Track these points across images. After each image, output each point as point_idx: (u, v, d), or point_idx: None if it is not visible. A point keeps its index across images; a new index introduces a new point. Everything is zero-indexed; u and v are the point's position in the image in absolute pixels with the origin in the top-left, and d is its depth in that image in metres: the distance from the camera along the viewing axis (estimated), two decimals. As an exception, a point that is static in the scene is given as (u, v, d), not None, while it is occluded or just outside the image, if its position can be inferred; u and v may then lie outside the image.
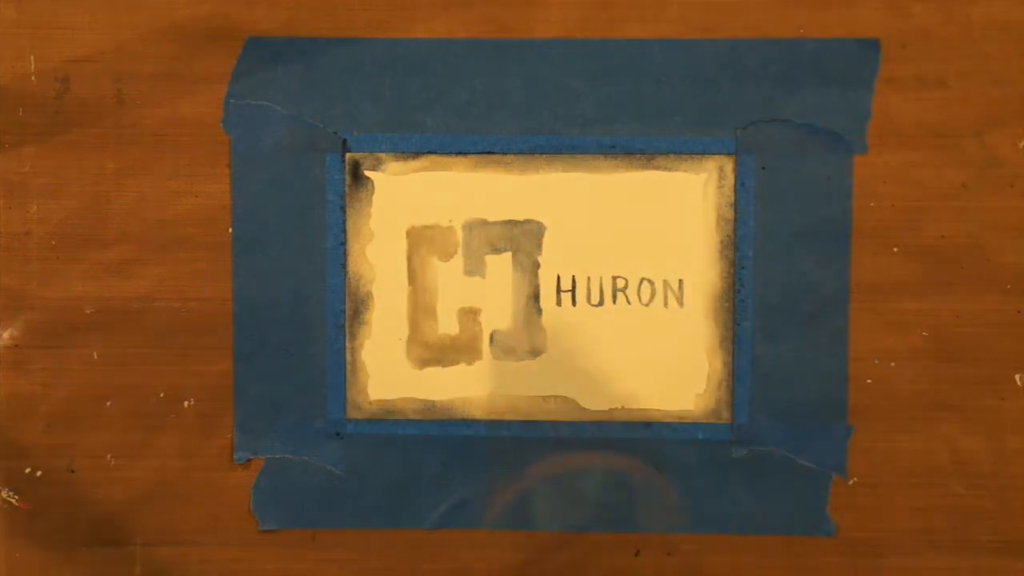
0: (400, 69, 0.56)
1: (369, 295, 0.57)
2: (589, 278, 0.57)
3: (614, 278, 0.57)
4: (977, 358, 0.56)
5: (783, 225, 0.56)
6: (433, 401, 0.57)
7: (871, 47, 0.56)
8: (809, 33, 0.56)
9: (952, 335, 0.56)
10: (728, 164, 0.56)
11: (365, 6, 0.56)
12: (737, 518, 0.57)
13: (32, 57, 0.56)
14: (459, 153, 0.57)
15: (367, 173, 0.57)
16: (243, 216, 0.57)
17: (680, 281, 0.57)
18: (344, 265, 0.57)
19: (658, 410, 0.57)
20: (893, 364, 0.56)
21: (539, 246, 0.57)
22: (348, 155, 0.56)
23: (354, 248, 0.57)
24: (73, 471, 0.58)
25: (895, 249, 0.56)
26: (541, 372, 0.57)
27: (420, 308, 0.57)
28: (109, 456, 0.58)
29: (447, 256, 0.57)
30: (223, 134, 0.57)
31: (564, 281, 0.57)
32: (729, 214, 0.56)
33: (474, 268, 0.57)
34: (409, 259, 0.57)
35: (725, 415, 0.57)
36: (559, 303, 0.57)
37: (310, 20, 0.56)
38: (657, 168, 0.56)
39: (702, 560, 0.57)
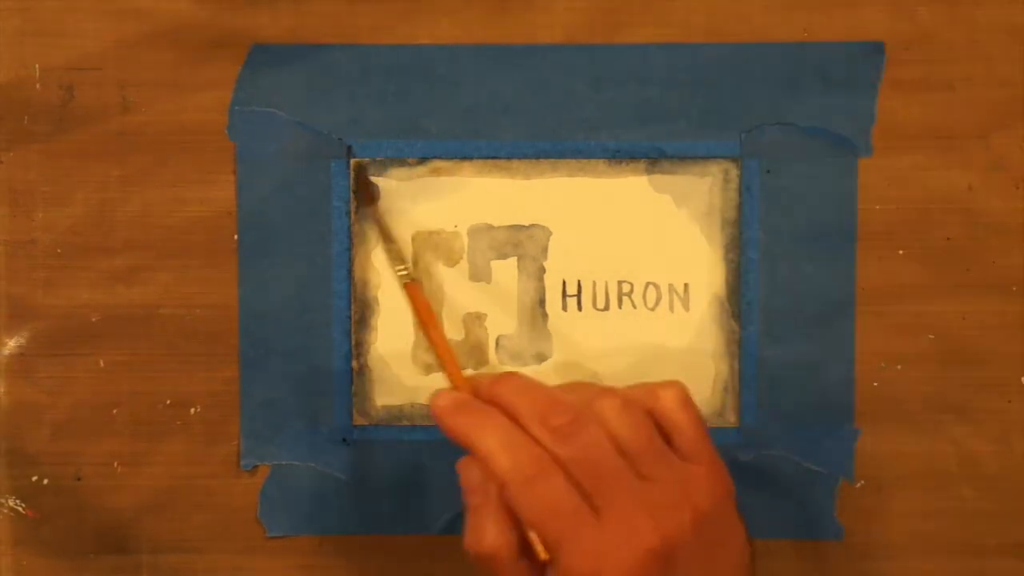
0: (404, 75, 0.56)
1: (375, 300, 0.57)
2: (594, 282, 0.57)
3: (619, 282, 0.57)
4: (984, 360, 0.56)
5: (788, 228, 0.56)
6: (439, 406, 0.57)
7: (875, 50, 0.56)
8: (813, 36, 0.56)
9: (958, 337, 0.56)
10: (733, 168, 0.56)
11: (369, 12, 0.56)
12: (744, 521, 0.57)
13: (36, 65, 0.56)
14: (464, 158, 0.57)
15: (372, 179, 0.57)
16: (248, 222, 0.57)
17: (685, 285, 0.57)
18: (350, 271, 0.57)
19: (664, 414, 0.57)
20: (899, 367, 0.56)
21: (544, 251, 0.57)
22: (353, 161, 0.57)
23: (360, 254, 0.57)
24: (80, 479, 0.58)
25: (901, 252, 0.56)
26: (547, 377, 0.57)
27: (426, 313, 0.57)
28: (116, 464, 0.58)
29: (452, 261, 0.57)
30: (228, 141, 0.57)
31: (570, 286, 0.57)
32: (734, 217, 0.56)
33: (479, 273, 0.57)
34: (415, 264, 0.57)
35: (731, 418, 0.57)
36: (565, 308, 0.57)
37: (314, 26, 0.56)
38: (662, 172, 0.56)
39: (710, 564, 0.57)
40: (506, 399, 0.47)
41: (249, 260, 0.57)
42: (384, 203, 0.56)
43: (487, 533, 0.46)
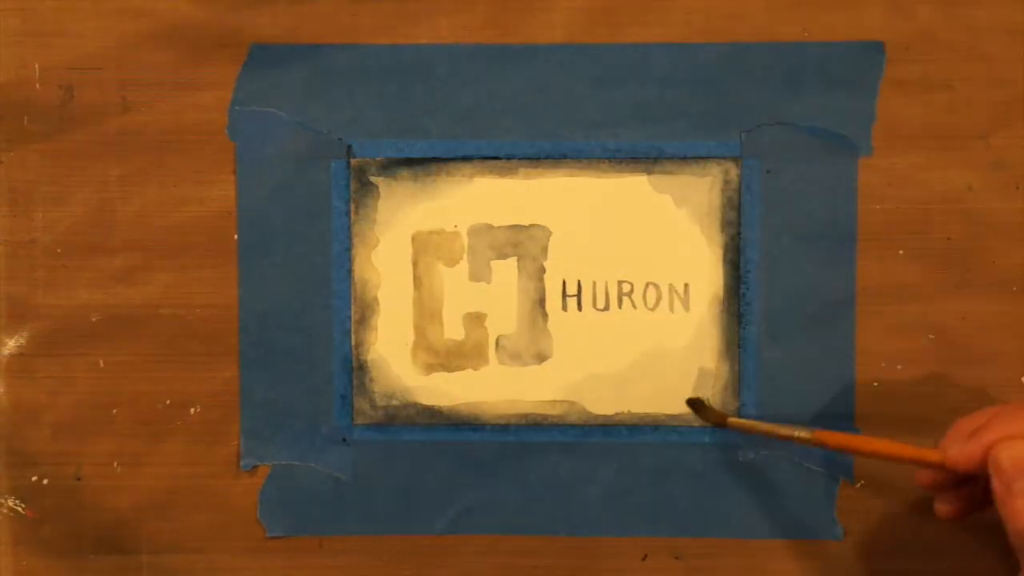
0: (404, 74, 0.56)
1: (375, 300, 0.57)
2: (595, 282, 0.57)
3: (619, 282, 0.57)
4: (984, 360, 0.56)
5: (788, 228, 0.56)
6: (439, 406, 0.57)
7: (875, 49, 0.56)
8: (813, 36, 0.56)
9: (958, 337, 0.56)
10: (733, 168, 0.56)
11: (369, 12, 0.56)
12: (745, 522, 0.57)
13: (36, 65, 0.56)
14: (464, 158, 0.57)
15: (372, 179, 0.57)
16: (248, 222, 0.57)
17: (686, 285, 0.57)
18: (350, 271, 0.57)
19: (665, 414, 0.57)
20: (899, 367, 0.56)
21: (544, 251, 0.57)
22: (353, 161, 0.57)
23: (360, 254, 0.57)
24: (80, 479, 0.58)
25: (901, 252, 0.56)
26: (547, 377, 0.57)
27: (426, 313, 0.57)
28: (116, 464, 0.58)
29: (452, 261, 0.57)
30: (228, 141, 0.57)
31: (570, 286, 0.57)
32: (734, 217, 0.56)
33: (480, 273, 0.57)
34: (415, 264, 0.57)
35: (732, 419, 0.57)
36: (565, 308, 0.57)
37: (314, 26, 0.56)
38: (662, 172, 0.56)
39: (710, 564, 0.57)
40: None
41: (249, 260, 0.57)
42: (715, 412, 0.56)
43: None
